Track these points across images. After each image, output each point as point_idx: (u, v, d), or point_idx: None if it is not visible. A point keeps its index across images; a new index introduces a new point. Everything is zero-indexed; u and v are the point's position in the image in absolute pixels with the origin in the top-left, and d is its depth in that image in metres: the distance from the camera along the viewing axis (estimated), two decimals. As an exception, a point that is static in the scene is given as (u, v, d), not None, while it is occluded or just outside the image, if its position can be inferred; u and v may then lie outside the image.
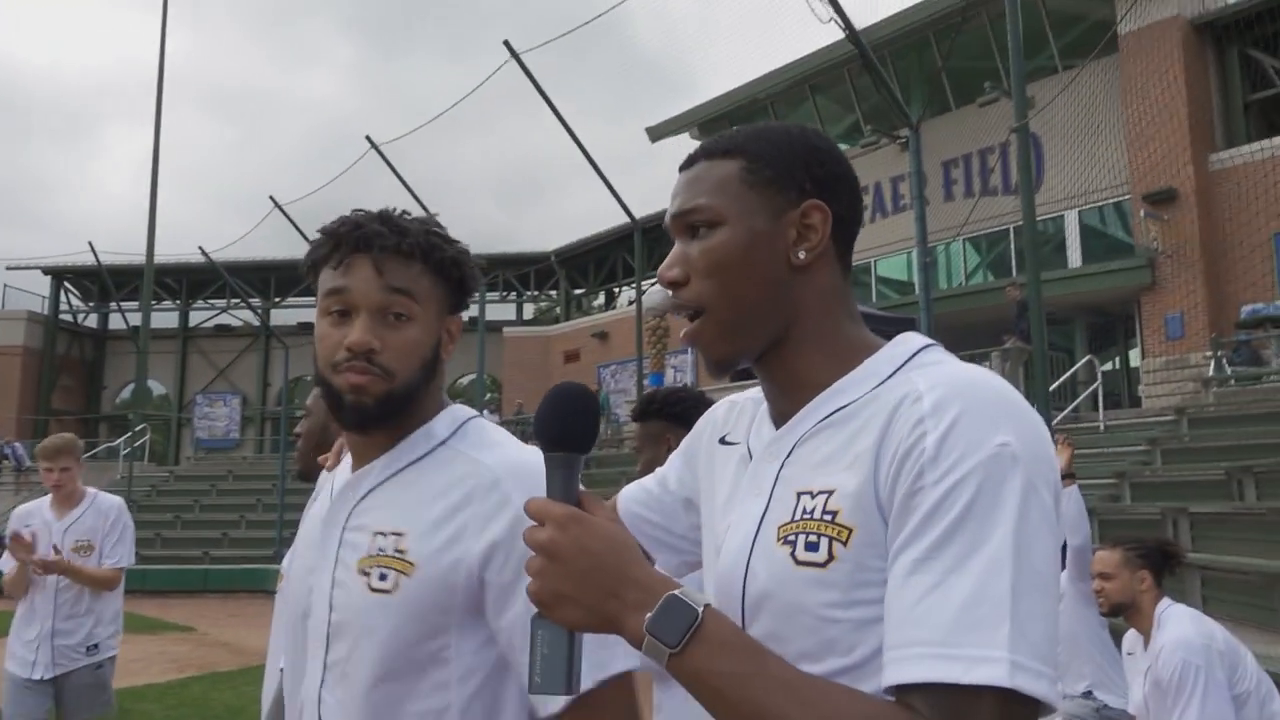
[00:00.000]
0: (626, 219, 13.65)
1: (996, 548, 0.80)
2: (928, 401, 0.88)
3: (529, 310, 34.10)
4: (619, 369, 25.32)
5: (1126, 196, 16.43)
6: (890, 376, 0.97)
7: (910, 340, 1.02)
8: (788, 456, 1.00)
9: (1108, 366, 18.12)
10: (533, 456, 1.23)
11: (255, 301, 29.99)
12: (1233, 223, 14.89)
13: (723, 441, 1.16)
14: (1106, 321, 18.09)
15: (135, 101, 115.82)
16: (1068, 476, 4.84)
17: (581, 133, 12.38)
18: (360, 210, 1.32)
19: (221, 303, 33.34)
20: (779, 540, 0.95)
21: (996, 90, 17.43)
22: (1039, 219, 17.95)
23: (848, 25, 8.82)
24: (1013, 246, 18.09)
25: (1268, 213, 14.23)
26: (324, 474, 1.51)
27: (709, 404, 2.66)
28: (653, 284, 24.69)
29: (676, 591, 0.84)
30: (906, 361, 0.98)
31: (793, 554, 0.93)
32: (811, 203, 1.01)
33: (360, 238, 1.26)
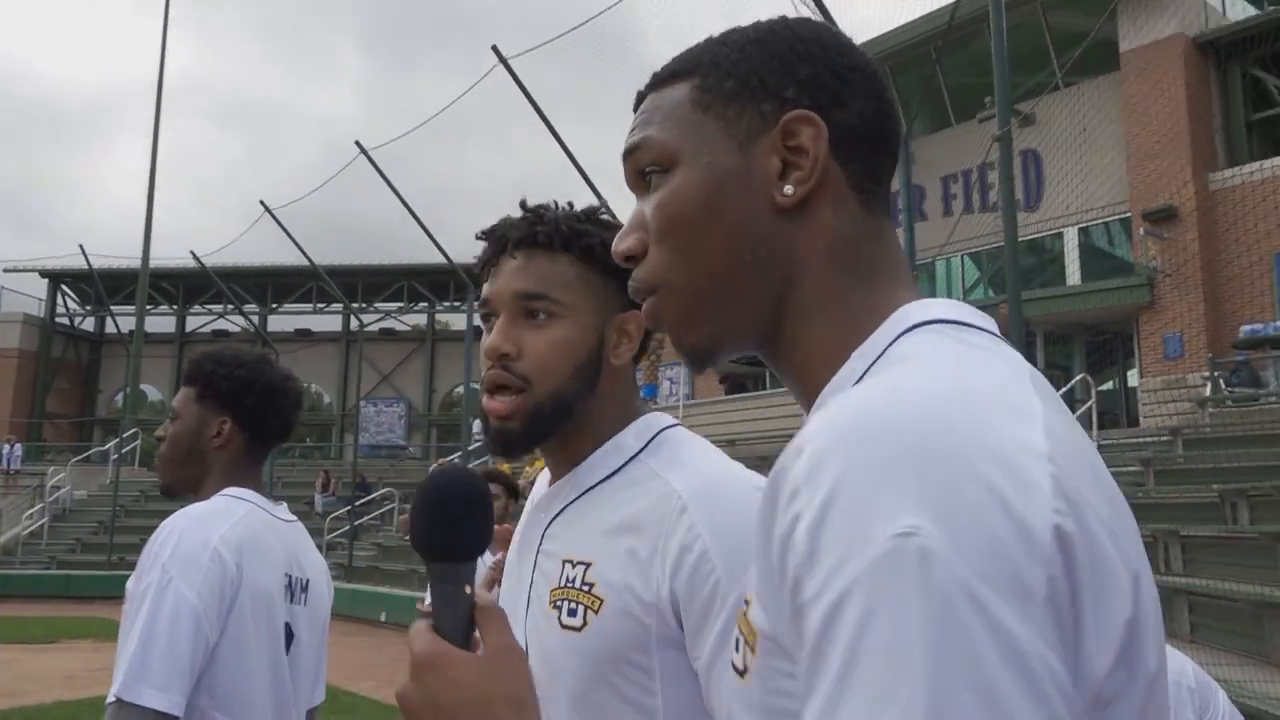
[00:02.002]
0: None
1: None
2: (806, 455, 0.55)
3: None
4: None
5: (1127, 214, 16.28)
6: (861, 379, 0.65)
7: (905, 316, 0.68)
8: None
9: (1106, 385, 17.94)
10: (728, 475, 1.07)
11: (251, 307, 29.92)
12: (1233, 242, 14.72)
13: None
14: (1105, 340, 17.91)
15: (144, 109, 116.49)
16: None
17: (597, 148, 12.28)
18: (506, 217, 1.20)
19: (219, 308, 33.27)
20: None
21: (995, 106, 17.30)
22: (1038, 235, 18.06)
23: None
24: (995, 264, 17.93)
25: (1268, 233, 14.05)
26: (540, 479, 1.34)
27: None
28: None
29: None
30: (883, 353, 0.65)
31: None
32: (793, 114, 0.71)
33: (498, 237, 1.16)
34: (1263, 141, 15.88)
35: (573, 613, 1.06)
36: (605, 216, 1.20)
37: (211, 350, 1.99)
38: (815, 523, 0.52)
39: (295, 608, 1.87)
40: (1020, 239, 8.99)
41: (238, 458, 1.91)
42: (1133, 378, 17.45)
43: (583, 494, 1.14)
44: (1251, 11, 16.93)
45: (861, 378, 0.64)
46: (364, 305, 32.44)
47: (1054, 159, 17.00)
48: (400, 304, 33.46)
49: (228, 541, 1.72)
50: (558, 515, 1.16)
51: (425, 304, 33.21)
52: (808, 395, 0.72)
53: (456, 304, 31.54)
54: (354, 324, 29.42)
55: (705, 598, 0.98)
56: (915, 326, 0.66)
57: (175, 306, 33.59)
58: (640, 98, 0.81)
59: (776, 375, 0.77)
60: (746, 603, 0.64)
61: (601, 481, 1.14)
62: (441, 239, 15.14)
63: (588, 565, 1.07)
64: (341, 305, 30.05)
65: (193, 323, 34.06)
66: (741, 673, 0.64)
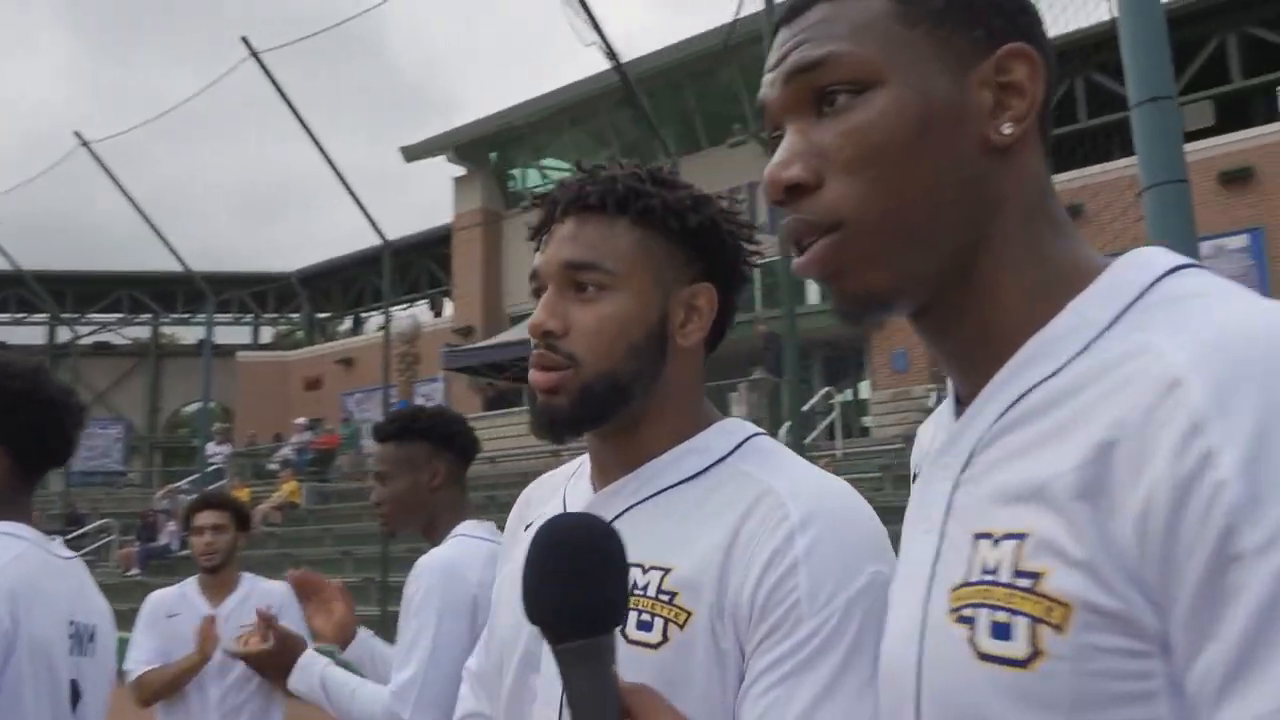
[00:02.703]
0: (374, 241, 13.00)
1: None
2: (1199, 385, 0.51)
3: (267, 334, 32.03)
4: (365, 397, 24.24)
5: (859, 240, 17.65)
6: (1113, 323, 0.60)
7: (1147, 260, 0.63)
8: (963, 469, 0.66)
9: (842, 398, 19.31)
10: (838, 490, 0.97)
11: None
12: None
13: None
14: (841, 356, 19.28)
15: None
16: None
17: (333, 150, 11.59)
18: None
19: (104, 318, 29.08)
20: (951, 615, 0.62)
21: (745, 133, 18.24)
22: (781, 258, 19.24)
23: (610, 51, 8.80)
24: (758, 283, 18.92)
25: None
26: (541, 489, 1.21)
27: (472, 432, 2.33)
28: (405, 309, 23.96)
29: None
30: (1141, 294, 0.61)
31: (972, 639, 0.60)
32: (1013, 47, 0.66)
33: (553, 201, 1.04)
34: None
35: (645, 625, 0.92)
36: (671, 175, 1.06)
37: None
38: (1249, 459, 0.47)
39: (80, 660, 1.56)
40: (765, 260, 9.49)
41: (6, 485, 1.56)
42: (865, 390, 18.91)
43: (654, 495, 1.01)
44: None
45: (1117, 320, 0.60)
46: (76, 315, 29.26)
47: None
48: (120, 315, 30.45)
49: None
50: (618, 517, 0.99)
51: (149, 315, 30.44)
52: (991, 346, 0.66)
53: (187, 315, 29.12)
54: (63, 336, 26.39)
55: (780, 614, 0.88)
56: (1180, 267, 0.62)
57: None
58: (798, 8, 0.70)
59: (929, 335, 0.70)
60: (1033, 575, 0.56)
61: (680, 483, 1.01)
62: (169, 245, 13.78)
63: (666, 571, 0.94)
64: (47, 315, 26.91)
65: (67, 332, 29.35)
66: (1023, 662, 0.56)
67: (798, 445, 8.16)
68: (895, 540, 0.82)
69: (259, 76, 11.13)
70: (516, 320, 21.23)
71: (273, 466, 19.50)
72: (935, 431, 0.77)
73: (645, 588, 0.94)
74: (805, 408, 14.76)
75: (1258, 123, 15.98)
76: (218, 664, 3.10)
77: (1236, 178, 13.91)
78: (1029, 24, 0.68)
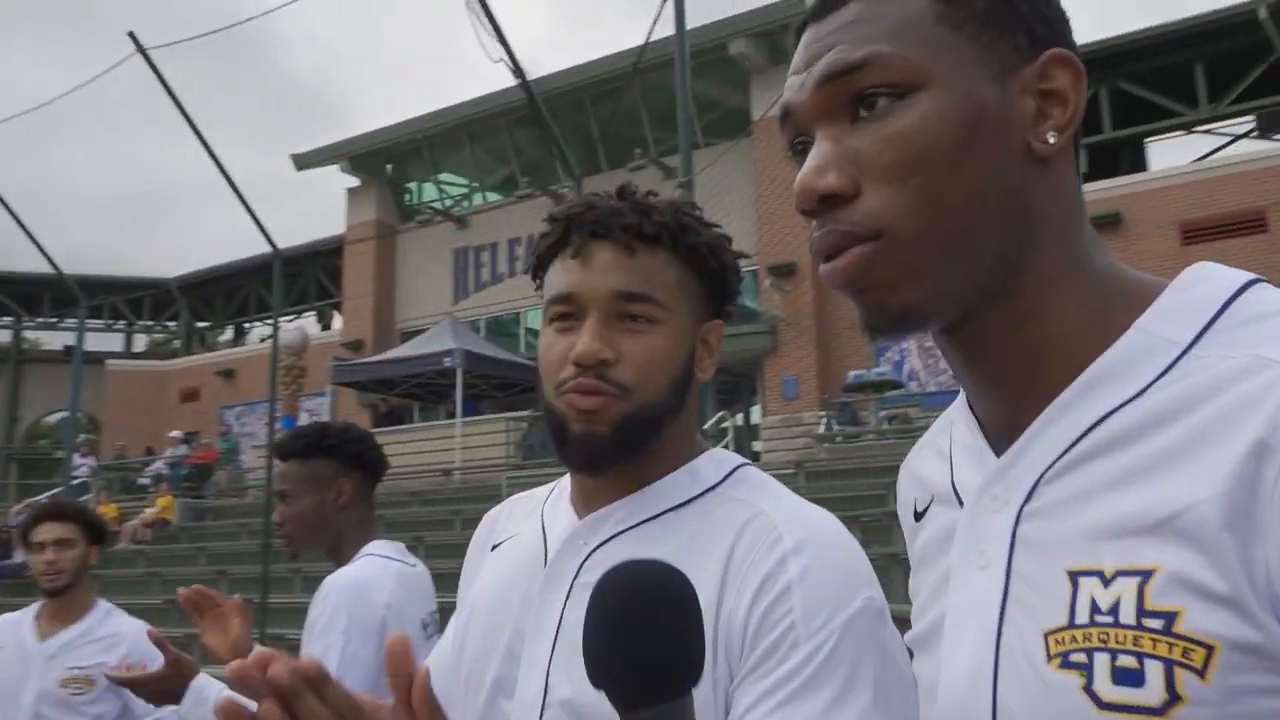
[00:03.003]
0: (260, 250, 12.56)
1: None
2: None
3: (141, 342, 30.57)
4: (246, 410, 23.37)
5: (755, 267, 17.94)
6: (1195, 342, 0.58)
7: (1211, 276, 0.61)
8: (1027, 501, 0.61)
9: (734, 421, 19.60)
10: (826, 519, 0.97)
11: None
12: (843, 297, 16.74)
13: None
14: (733, 381, 19.56)
15: None
16: None
17: (223, 155, 11.14)
18: (594, 194, 1.05)
19: None
20: (1052, 659, 0.56)
21: (645, 158, 18.43)
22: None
23: (517, 67, 8.74)
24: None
25: (868, 291, 16.16)
26: (511, 509, 1.17)
27: (380, 449, 2.25)
28: (292, 320, 23.21)
29: None
30: (1220, 312, 0.58)
31: (1088, 687, 0.54)
32: (1056, 53, 0.63)
33: (596, 219, 1.00)
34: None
35: None
36: (697, 211, 1.06)
37: None
38: None
39: None
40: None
41: None
42: (755, 415, 19.23)
43: (644, 522, 1.00)
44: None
45: (1198, 339, 0.58)
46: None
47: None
48: (-26, 317, 28.63)
49: None
50: (606, 542, 0.99)
51: (11, 319, 28.69)
52: (1049, 369, 0.63)
53: (54, 319, 27.58)
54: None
55: (774, 639, 0.87)
56: (1251, 284, 0.60)
57: None
58: (826, 5, 0.66)
59: (958, 355, 0.66)
60: (1167, 615, 0.52)
61: (671, 510, 1.00)
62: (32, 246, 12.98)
63: None
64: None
65: None
66: (1159, 710, 0.51)
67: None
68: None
69: (145, 75, 10.69)
70: (408, 336, 20.82)
71: (144, 481, 18.57)
72: (954, 463, 0.71)
73: None
74: (705, 427, 14.98)
75: (1125, 172, 17.00)
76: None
77: (1107, 223, 14.71)
78: (1068, 31, 0.66)
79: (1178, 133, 18.16)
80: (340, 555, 2.06)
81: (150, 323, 29.93)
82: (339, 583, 1.91)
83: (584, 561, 1.00)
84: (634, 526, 1.00)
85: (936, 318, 0.64)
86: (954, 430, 0.72)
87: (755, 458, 17.00)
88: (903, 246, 0.62)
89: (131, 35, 10.35)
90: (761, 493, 1.00)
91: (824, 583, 0.88)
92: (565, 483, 1.10)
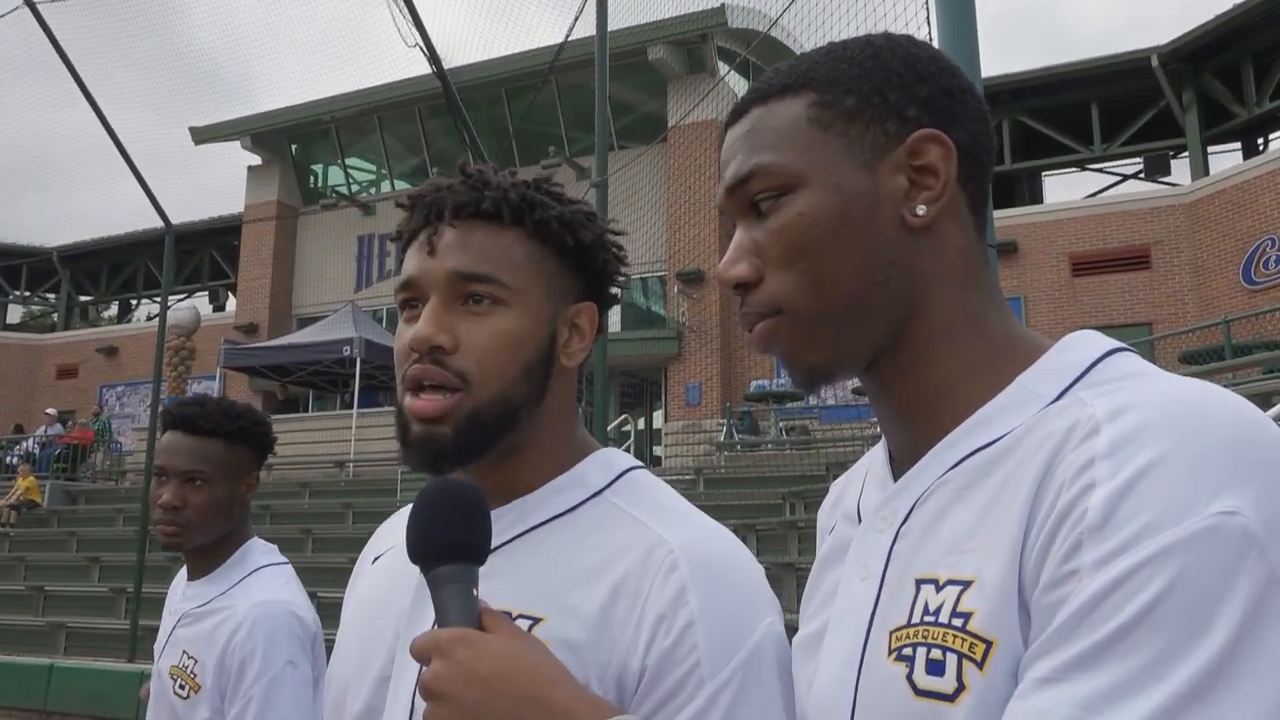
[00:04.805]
0: (150, 223, 12.01)
1: (1192, 678, 0.52)
2: (1106, 436, 0.59)
3: (16, 314, 28.96)
4: (127, 391, 22.37)
5: (664, 273, 18.02)
6: (1059, 397, 0.67)
7: (1088, 342, 0.71)
8: (904, 522, 0.72)
9: (637, 425, 19.66)
10: (721, 534, 0.94)
11: None
12: (746, 308, 17.01)
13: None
14: (636, 384, 19.61)
15: None
16: None
17: (115, 121, 10.60)
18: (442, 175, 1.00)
19: None
20: (891, 654, 0.67)
21: (560, 156, 18.33)
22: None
23: (433, 54, 8.56)
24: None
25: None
26: (399, 519, 1.09)
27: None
28: (182, 298, 22.28)
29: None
30: (1084, 373, 0.68)
31: (909, 675, 0.64)
32: (922, 133, 0.73)
33: (433, 201, 0.96)
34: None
35: None
36: (555, 188, 1.00)
37: None
38: (1117, 492, 0.56)
39: None
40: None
41: None
42: (657, 420, 19.31)
43: (528, 531, 0.93)
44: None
45: (1061, 395, 0.67)
46: None
47: (604, 213, 18.38)
48: None
49: None
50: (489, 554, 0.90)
51: None
52: (938, 411, 0.73)
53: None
54: None
55: (678, 678, 0.83)
56: (1112, 352, 0.69)
57: None
58: (737, 113, 0.79)
59: (872, 395, 0.77)
60: (965, 615, 0.63)
61: (554, 518, 0.94)
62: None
63: (535, 621, 0.87)
64: None
65: None
66: (950, 696, 0.62)
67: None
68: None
69: (31, 30, 10.11)
70: (305, 322, 20.25)
71: (12, 460, 17.57)
72: (865, 487, 0.81)
73: None
74: (610, 430, 14.94)
75: (1021, 203, 17.68)
76: None
77: (1003, 250, 15.26)
78: (947, 107, 0.74)
79: (1072, 169, 19.01)
80: (220, 554, 1.89)
81: (27, 293, 28.38)
82: (272, 610, 1.78)
83: None
84: (516, 537, 0.93)
85: (841, 374, 0.76)
86: (872, 459, 0.83)
87: (656, 462, 17.05)
88: (799, 320, 0.74)
89: (22, -11, 9.80)
90: (651, 505, 0.94)
91: (728, 614, 0.85)
92: None
